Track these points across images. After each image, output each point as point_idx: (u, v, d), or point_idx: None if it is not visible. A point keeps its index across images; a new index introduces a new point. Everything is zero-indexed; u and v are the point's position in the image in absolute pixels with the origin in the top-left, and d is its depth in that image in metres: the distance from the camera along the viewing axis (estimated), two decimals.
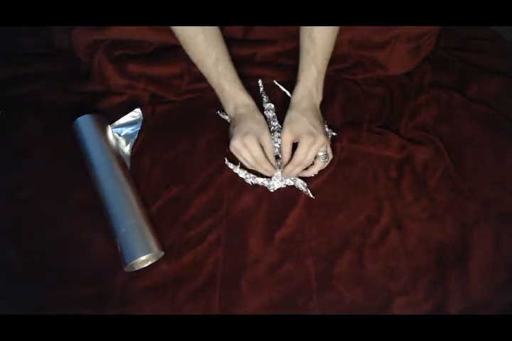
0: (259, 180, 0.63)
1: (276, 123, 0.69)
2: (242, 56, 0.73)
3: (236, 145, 0.61)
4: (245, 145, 0.60)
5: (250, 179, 0.63)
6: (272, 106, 0.70)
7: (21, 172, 0.62)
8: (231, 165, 0.64)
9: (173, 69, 0.70)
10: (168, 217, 0.60)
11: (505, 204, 0.61)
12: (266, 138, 0.62)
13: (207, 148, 0.66)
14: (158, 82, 0.70)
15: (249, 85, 0.68)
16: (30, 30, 0.77)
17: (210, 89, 0.67)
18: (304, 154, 0.60)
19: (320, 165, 0.62)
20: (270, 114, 0.69)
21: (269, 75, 0.74)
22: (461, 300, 0.54)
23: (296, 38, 0.71)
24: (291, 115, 0.63)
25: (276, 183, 0.63)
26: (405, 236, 0.59)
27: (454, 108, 0.70)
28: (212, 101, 0.69)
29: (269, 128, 0.64)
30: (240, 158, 0.62)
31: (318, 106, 0.66)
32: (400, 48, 0.72)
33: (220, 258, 0.57)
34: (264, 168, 0.62)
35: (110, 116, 0.68)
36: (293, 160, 0.61)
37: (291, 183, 0.63)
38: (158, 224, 0.59)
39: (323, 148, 0.61)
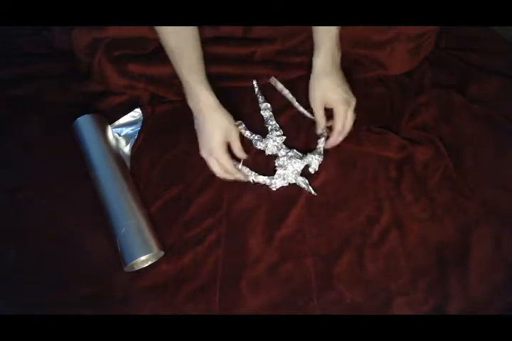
0: (261, 179, 0.63)
1: (274, 122, 0.69)
2: (241, 55, 0.73)
3: (203, 155, 0.61)
4: (212, 156, 0.60)
5: (252, 177, 0.63)
6: (269, 105, 0.71)
7: (21, 172, 0.62)
8: (233, 162, 0.64)
9: (173, 69, 0.70)
10: (168, 217, 0.60)
11: (505, 204, 0.61)
12: (233, 139, 0.61)
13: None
14: (158, 82, 0.70)
15: (247, 85, 0.68)
16: (30, 30, 0.77)
17: None
18: (343, 121, 0.62)
19: (344, 134, 0.64)
20: (267, 113, 0.70)
21: (269, 74, 0.74)
22: (461, 300, 0.54)
23: (295, 36, 0.71)
24: (319, 81, 0.62)
25: (278, 182, 0.62)
26: (405, 236, 0.59)
27: (454, 108, 0.70)
28: None
29: (239, 125, 0.65)
30: (210, 168, 0.61)
31: (339, 66, 0.65)
32: (400, 48, 0.72)
33: (220, 258, 0.57)
34: (236, 177, 0.61)
35: (110, 116, 0.68)
36: (335, 129, 0.63)
37: (293, 181, 0.63)
38: (158, 224, 0.59)
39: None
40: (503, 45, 0.80)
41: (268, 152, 0.66)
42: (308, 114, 0.69)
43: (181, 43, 0.59)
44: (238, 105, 0.70)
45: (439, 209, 0.61)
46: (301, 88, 0.72)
